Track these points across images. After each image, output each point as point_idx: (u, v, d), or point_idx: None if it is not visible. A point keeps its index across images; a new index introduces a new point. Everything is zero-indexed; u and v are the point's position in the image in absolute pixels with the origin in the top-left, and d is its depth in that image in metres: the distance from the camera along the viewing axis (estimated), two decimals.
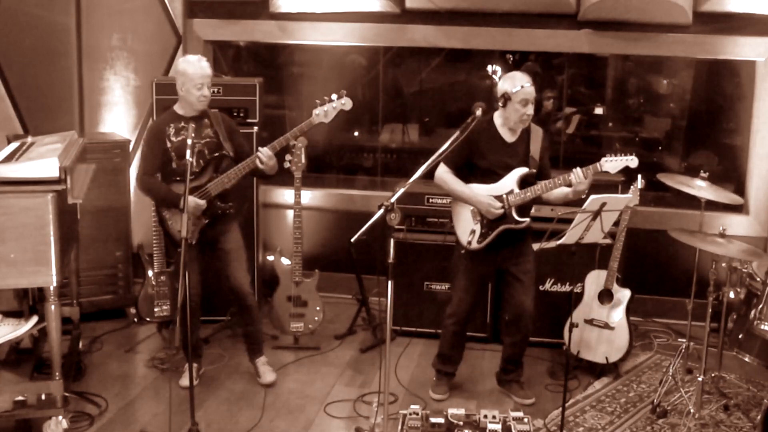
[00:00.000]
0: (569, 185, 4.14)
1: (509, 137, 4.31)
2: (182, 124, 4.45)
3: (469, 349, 5.04)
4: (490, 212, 4.24)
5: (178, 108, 4.52)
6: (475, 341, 5.20)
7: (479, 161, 4.22)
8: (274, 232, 6.20)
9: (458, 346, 4.64)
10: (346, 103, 4.31)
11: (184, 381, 4.60)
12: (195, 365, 4.64)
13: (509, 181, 4.26)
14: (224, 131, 4.52)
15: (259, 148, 4.37)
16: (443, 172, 4.31)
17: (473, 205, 4.30)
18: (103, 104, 6.10)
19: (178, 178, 4.43)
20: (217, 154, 4.47)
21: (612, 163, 4.07)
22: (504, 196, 4.25)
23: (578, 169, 4.08)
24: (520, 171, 4.27)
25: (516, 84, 4.18)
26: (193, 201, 4.36)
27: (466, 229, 4.34)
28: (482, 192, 4.28)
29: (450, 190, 4.35)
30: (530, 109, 4.21)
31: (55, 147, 4.15)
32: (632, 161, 4.06)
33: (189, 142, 3.99)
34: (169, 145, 4.44)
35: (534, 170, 4.29)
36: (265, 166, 4.37)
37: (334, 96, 4.31)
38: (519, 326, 4.45)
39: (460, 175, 4.30)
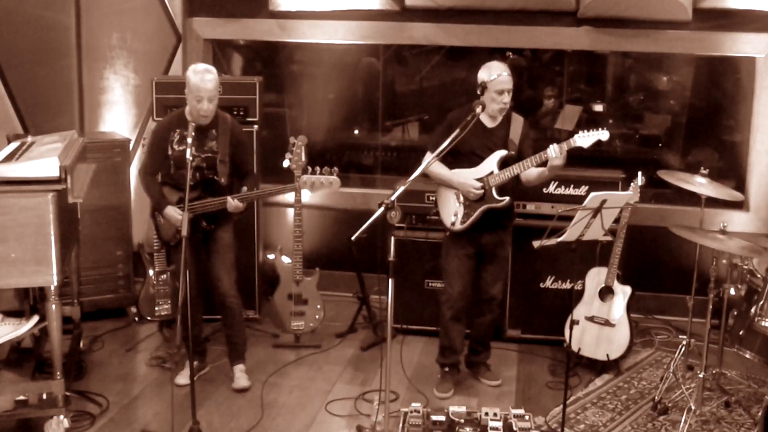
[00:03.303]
0: (545, 162, 4.23)
1: (489, 123, 4.45)
2: (187, 132, 4.40)
3: None
4: (470, 192, 4.38)
5: (187, 112, 4.41)
6: None
7: (461, 146, 4.24)
8: (274, 231, 6.19)
9: (458, 333, 4.65)
10: (334, 182, 4.58)
11: (180, 379, 4.60)
12: (196, 363, 4.63)
13: (490, 164, 4.40)
14: (228, 147, 4.43)
15: (231, 198, 4.39)
16: (427, 157, 4.44)
17: (453, 186, 4.45)
18: (103, 103, 6.09)
19: (175, 185, 4.45)
20: (210, 177, 4.42)
21: (584, 139, 4.16)
22: (485, 177, 4.40)
23: (554, 144, 4.19)
24: (500, 153, 4.39)
25: (492, 73, 4.31)
26: (174, 211, 4.39)
27: (450, 212, 4.49)
28: (464, 175, 4.41)
29: (432, 173, 4.45)
30: (506, 98, 4.33)
31: (55, 146, 4.15)
32: (603, 134, 4.15)
33: (188, 157, 3.96)
34: (170, 152, 4.40)
35: (513, 152, 4.40)
36: (232, 210, 4.43)
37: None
38: (484, 310, 4.64)
39: (445, 161, 4.38)
